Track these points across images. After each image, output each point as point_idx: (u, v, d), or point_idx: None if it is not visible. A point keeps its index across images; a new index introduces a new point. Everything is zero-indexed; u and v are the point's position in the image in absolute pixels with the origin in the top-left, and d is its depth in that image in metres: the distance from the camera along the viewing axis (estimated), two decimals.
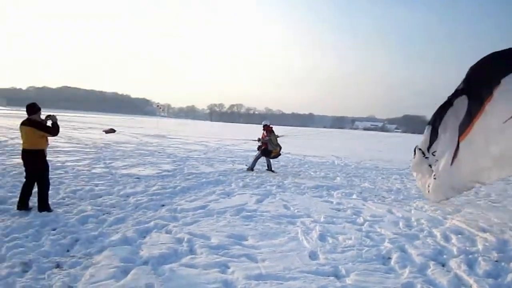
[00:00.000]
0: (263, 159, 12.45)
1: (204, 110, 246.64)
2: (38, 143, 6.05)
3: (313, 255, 4.83)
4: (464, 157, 6.43)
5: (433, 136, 7.51)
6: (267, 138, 12.04)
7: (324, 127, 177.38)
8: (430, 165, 7.67)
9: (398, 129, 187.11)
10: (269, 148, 11.96)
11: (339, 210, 7.45)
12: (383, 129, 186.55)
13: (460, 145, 6.46)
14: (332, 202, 8.15)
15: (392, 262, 4.75)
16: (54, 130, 6.16)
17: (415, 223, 6.73)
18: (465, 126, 6.39)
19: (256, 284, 3.84)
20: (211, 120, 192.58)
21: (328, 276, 4.17)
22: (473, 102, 6.34)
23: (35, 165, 6.05)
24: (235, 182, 9.79)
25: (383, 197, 9.23)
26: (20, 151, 6.18)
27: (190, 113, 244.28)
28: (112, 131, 32.29)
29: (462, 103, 6.68)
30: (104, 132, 29.93)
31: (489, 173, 6.09)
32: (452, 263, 4.76)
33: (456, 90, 6.88)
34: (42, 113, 6.30)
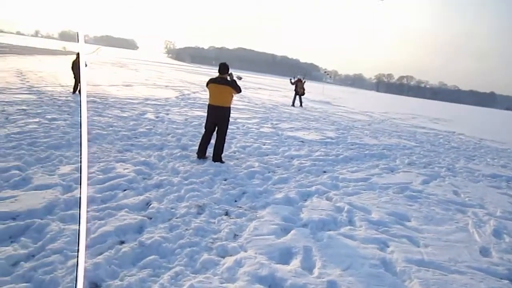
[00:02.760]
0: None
1: (371, 79, 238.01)
2: (229, 101, 6.62)
3: (484, 252, 4.27)
4: None
5: None
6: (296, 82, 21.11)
7: (507, 109, 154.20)
8: None
9: None
10: (298, 89, 20.87)
11: None
12: None
13: None
14: None
15: None
16: (239, 88, 6.62)
17: None
18: None
19: (416, 270, 3.54)
20: (378, 91, 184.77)
21: (501, 279, 3.63)
22: None
23: (223, 120, 6.62)
24: (400, 159, 9.19)
25: None
26: (201, 105, 6.76)
27: (356, 81, 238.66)
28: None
29: None
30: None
31: None
32: None
33: None
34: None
